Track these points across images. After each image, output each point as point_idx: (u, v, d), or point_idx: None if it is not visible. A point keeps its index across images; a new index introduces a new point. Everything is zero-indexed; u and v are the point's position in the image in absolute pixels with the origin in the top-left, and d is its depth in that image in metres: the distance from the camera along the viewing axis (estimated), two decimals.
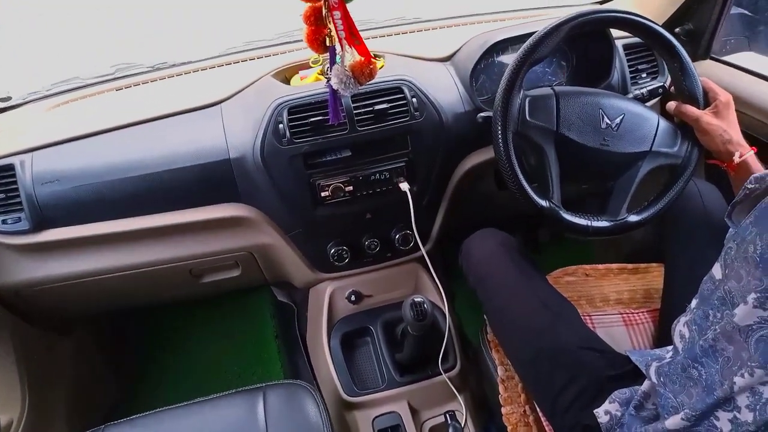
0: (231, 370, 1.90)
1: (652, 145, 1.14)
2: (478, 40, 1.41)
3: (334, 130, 1.26)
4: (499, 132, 1.11)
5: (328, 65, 1.09)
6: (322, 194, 1.30)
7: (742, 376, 0.73)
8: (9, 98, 1.50)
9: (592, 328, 1.17)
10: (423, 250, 1.38)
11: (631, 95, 1.25)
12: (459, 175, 1.42)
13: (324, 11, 1.01)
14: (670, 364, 0.86)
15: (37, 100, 1.50)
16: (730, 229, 0.85)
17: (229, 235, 1.39)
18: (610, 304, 1.33)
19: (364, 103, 1.28)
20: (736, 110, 1.11)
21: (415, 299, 1.22)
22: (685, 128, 1.15)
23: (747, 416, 0.74)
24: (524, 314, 1.13)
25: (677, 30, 1.55)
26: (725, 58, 1.55)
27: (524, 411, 1.19)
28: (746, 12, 1.67)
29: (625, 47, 1.46)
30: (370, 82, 1.12)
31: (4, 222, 1.26)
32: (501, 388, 1.22)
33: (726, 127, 1.08)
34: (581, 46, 1.43)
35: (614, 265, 1.40)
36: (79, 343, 1.69)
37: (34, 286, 1.34)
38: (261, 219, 1.36)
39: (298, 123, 1.25)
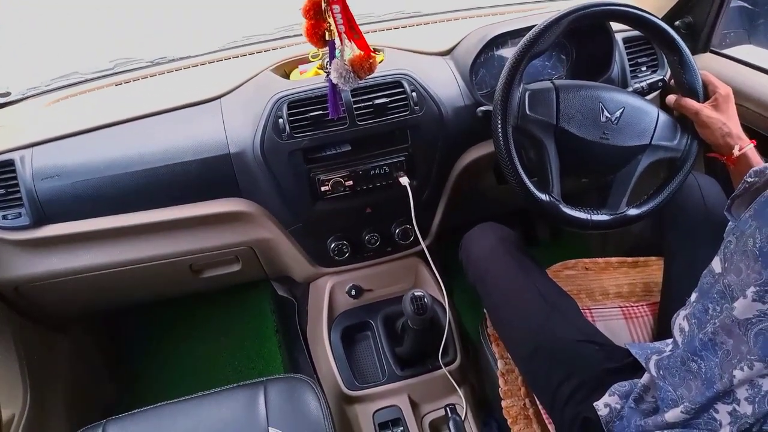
0: (231, 365, 1.90)
1: (651, 138, 1.14)
2: (477, 33, 1.40)
3: (333, 125, 1.26)
4: (499, 126, 1.10)
5: (328, 59, 1.09)
6: (322, 189, 1.30)
7: (742, 369, 0.73)
8: (8, 93, 1.50)
9: (591, 322, 1.17)
10: (423, 245, 1.39)
11: (630, 89, 1.25)
12: (459, 170, 1.42)
13: (323, 5, 1.01)
14: (670, 357, 0.86)
15: (37, 95, 1.50)
16: (730, 223, 0.85)
17: (229, 230, 1.39)
18: (610, 297, 1.33)
19: (363, 97, 1.27)
20: (735, 103, 1.11)
21: (415, 293, 1.22)
22: (684, 122, 1.15)
23: (746, 409, 0.74)
24: (524, 308, 1.13)
25: (677, 23, 1.54)
26: (725, 51, 1.55)
27: (524, 404, 1.19)
28: (746, 5, 1.66)
29: (625, 40, 1.46)
30: (369, 77, 1.12)
31: (4, 217, 1.26)
32: (501, 382, 1.22)
33: (725, 120, 1.08)
34: (581, 40, 1.42)
35: (614, 259, 1.40)
36: (79, 340, 1.69)
37: (35, 281, 1.35)
38: (261, 214, 1.36)
39: (298, 118, 1.25)
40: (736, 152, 1.06)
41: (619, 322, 1.26)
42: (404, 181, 1.32)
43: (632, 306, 1.28)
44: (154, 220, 1.31)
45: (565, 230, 2.06)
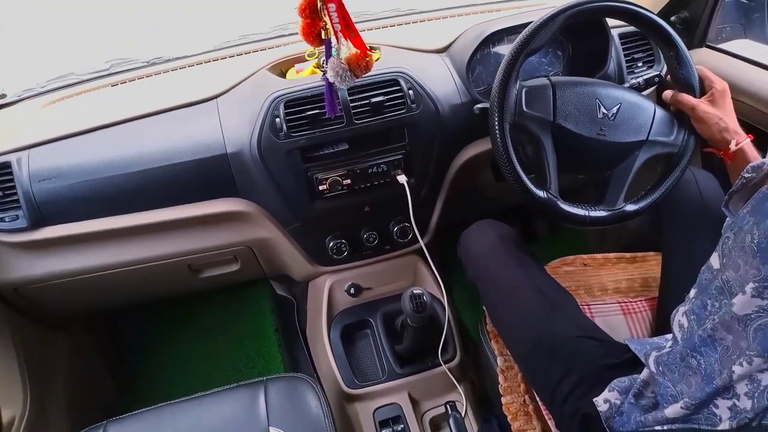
0: (231, 365, 1.90)
1: (648, 134, 1.14)
2: (473, 31, 1.40)
3: (330, 124, 1.25)
4: (496, 123, 1.10)
5: (324, 58, 1.09)
6: (320, 188, 1.30)
7: (741, 364, 0.73)
8: (4, 95, 1.50)
9: (590, 318, 1.17)
10: (421, 243, 1.39)
11: (627, 84, 1.25)
12: (456, 167, 1.42)
13: (319, 4, 1.01)
14: (669, 353, 0.87)
15: (33, 97, 1.49)
16: (728, 219, 0.86)
17: (228, 230, 1.39)
18: (609, 293, 1.34)
19: (360, 95, 1.27)
20: (732, 98, 1.11)
21: (414, 291, 1.22)
22: (681, 117, 1.15)
23: (746, 404, 0.74)
24: (522, 304, 1.13)
25: (673, 18, 1.54)
26: (721, 46, 1.55)
27: (524, 400, 1.20)
28: None
29: (621, 36, 1.46)
30: (366, 75, 1.12)
31: (1, 220, 1.25)
32: (501, 378, 1.23)
33: (722, 115, 1.08)
34: (577, 36, 1.42)
35: (612, 255, 1.40)
36: (79, 339, 1.69)
37: (33, 283, 1.35)
38: (259, 213, 1.36)
39: (295, 117, 1.24)
40: (732, 147, 1.06)
41: (617, 318, 1.26)
42: (402, 179, 1.32)
43: (631, 301, 1.29)
44: (152, 221, 1.31)
45: (563, 226, 2.07)
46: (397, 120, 1.29)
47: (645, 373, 0.90)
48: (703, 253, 0.88)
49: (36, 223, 1.26)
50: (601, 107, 1.13)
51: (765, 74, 1.40)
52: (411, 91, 1.29)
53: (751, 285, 0.71)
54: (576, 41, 1.44)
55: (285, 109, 1.24)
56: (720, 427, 0.77)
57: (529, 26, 1.10)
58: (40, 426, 1.39)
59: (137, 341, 1.98)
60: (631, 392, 0.91)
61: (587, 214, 1.13)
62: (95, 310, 1.72)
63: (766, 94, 1.35)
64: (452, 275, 1.69)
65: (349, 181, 1.31)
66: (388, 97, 1.28)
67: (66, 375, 1.57)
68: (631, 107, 1.14)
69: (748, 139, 1.06)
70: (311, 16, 1.03)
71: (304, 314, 1.67)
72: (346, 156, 1.30)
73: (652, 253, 1.39)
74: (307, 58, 1.38)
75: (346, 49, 1.06)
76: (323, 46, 1.07)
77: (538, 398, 1.13)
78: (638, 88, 1.24)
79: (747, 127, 1.17)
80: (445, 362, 1.38)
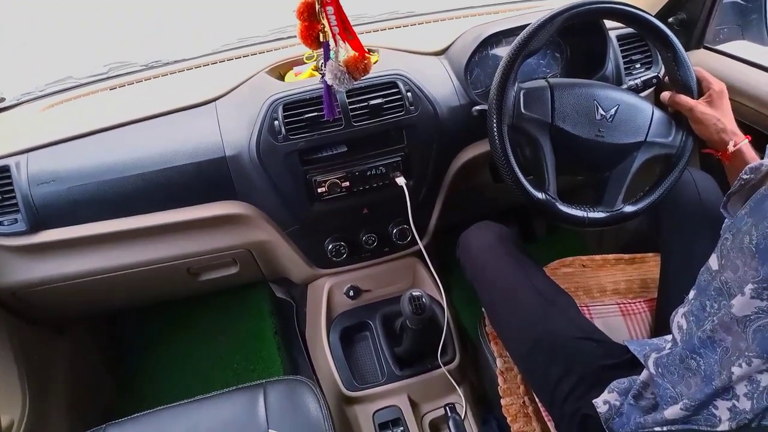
0: (230, 368, 1.90)
1: (646, 135, 1.14)
2: (471, 33, 1.40)
3: (329, 126, 1.25)
4: (494, 125, 1.11)
5: (323, 61, 1.09)
6: (319, 190, 1.30)
7: (740, 365, 0.73)
8: (2, 99, 1.50)
9: (589, 319, 1.18)
10: (420, 244, 1.39)
11: (625, 86, 1.25)
12: (455, 169, 1.42)
13: (317, 7, 1.01)
14: (669, 355, 0.87)
15: (31, 100, 1.49)
16: (726, 220, 0.86)
17: (227, 233, 1.39)
18: (607, 294, 1.34)
19: (359, 98, 1.27)
20: (729, 99, 1.11)
21: (414, 293, 1.22)
22: (679, 118, 1.16)
23: (745, 404, 0.74)
24: (521, 306, 1.13)
25: (670, 20, 1.54)
26: (718, 48, 1.55)
27: (523, 402, 1.20)
28: (739, 0, 1.67)
29: (619, 38, 1.46)
30: (364, 77, 1.12)
31: (0, 224, 1.25)
32: (500, 380, 1.23)
33: (720, 116, 1.08)
34: (575, 38, 1.43)
35: (611, 256, 1.40)
36: (78, 343, 1.69)
37: (32, 287, 1.34)
38: (258, 216, 1.36)
39: (294, 119, 1.25)
40: (730, 148, 1.06)
41: (616, 319, 1.26)
42: (401, 181, 1.32)
43: (629, 302, 1.29)
44: (150, 224, 1.31)
45: (562, 227, 2.07)
46: (396, 122, 1.29)
47: (644, 374, 0.90)
48: (701, 254, 0.88)
49: (35, 227, 1.26)
50: (599, 109, 1.13)
51: (762, 75, 1.40)
52: (409, 94, 1.29)
53: (750, 286, 0.71)
54: (574, 43, 1.44)
55: (284, 112, 1.24)
56: (719, 428, 0.77)
57: (527, 28, 1.10)
58: (40, 428, 1.38)
59: (137, 342, 1.98)
60: (630, 393, 0.91)
61: (586, 215, 1.13)
62: (95, 312, 1.72)
63: (764, 95, 1.35)
64: (451, 277, 1.69)
65: (347, 183, 1.31)
66: (387, 99, 1.28)
67: (65, 376, 1.57)
68: (629, 108, 1.15)
69: (746, 140, 1.06)
70: (309, 18, 1.03)
71: (303, 317, 1.67)
72: (344, 158, 1.30)
73: (650, 254, 1.39)
74: (306, 61, 1.39)
75: (345, 52, 1.06)
76: (321, 49, 1.07)
77: (537, 399, 1.13)
78: (636, 90, 1.24)
79: (745, 128, 1.17)
80: (445, 364, 1.38)
